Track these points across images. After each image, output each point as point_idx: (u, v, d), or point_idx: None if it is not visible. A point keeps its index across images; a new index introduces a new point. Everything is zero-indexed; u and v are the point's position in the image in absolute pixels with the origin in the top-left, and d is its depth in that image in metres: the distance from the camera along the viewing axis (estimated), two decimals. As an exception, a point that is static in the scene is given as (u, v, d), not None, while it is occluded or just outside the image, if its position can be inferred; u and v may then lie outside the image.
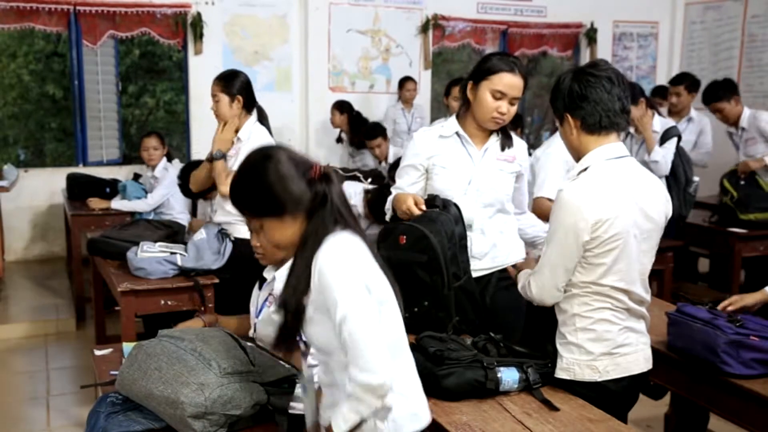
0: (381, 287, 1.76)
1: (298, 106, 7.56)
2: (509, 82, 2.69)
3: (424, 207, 2.67)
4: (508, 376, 2.23)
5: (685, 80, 5.99)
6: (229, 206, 3.55)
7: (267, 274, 2.46)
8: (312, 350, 1.88)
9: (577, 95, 2.19)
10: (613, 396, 2.23)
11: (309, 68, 7.47)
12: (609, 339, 2.22)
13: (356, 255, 1.74)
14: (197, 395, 1.92)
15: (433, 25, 7.85)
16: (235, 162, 3.69)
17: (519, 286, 2.38)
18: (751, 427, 2.44)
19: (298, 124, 7.58)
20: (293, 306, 1.76)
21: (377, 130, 6.36)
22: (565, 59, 9.10)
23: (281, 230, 1.79)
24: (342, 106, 6.95)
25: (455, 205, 2.70)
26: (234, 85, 3.57)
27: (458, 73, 12.62)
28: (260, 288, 2.49)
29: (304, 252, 1.76)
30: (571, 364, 2.23)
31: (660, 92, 7.08)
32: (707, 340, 2.47)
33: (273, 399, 2.06)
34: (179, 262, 3.50)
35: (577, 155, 2.27)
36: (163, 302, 3.47)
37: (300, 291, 1.75)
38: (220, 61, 7.15)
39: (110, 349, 2.59)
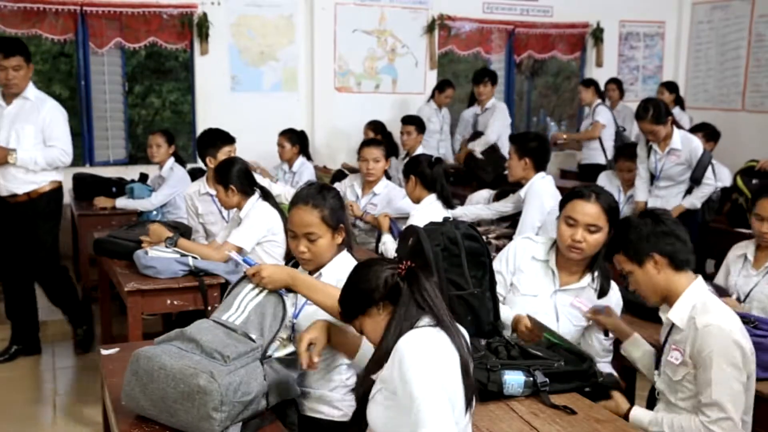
0: (455, 390, 1.75)
1: (305, 106, 7.55)
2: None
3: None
4: (513, 379, 2.20)
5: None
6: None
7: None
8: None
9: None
10: None
11: (315, 68, 7.46)
12: None
13: (439, 354, 1.76)
14: (210, 384, 1.90)
15: (439, 25, 7.83)
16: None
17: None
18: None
19: (305, 124, 7.55)
20: (366, 386, 1.87)
21: (415, 119, 6.33)
22: (572, 61, 9.09)
23: (373, 324, 1.87)
24: (376, 128, 6.63)
25: (472, 226, 2.67)
26: (228, 176, 3.69)
27: (464, 74, 12.62)
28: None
29: (386, 339, 1.82)
30: None
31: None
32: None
33: (272, 391, 2.07)
34: (191, 263, 3.51)
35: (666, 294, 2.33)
36: (169, 302, 3.47)
37: (371, 372, 1.86)
38: (226, 61, 7.16)
39: (117, 349, 2.60)
